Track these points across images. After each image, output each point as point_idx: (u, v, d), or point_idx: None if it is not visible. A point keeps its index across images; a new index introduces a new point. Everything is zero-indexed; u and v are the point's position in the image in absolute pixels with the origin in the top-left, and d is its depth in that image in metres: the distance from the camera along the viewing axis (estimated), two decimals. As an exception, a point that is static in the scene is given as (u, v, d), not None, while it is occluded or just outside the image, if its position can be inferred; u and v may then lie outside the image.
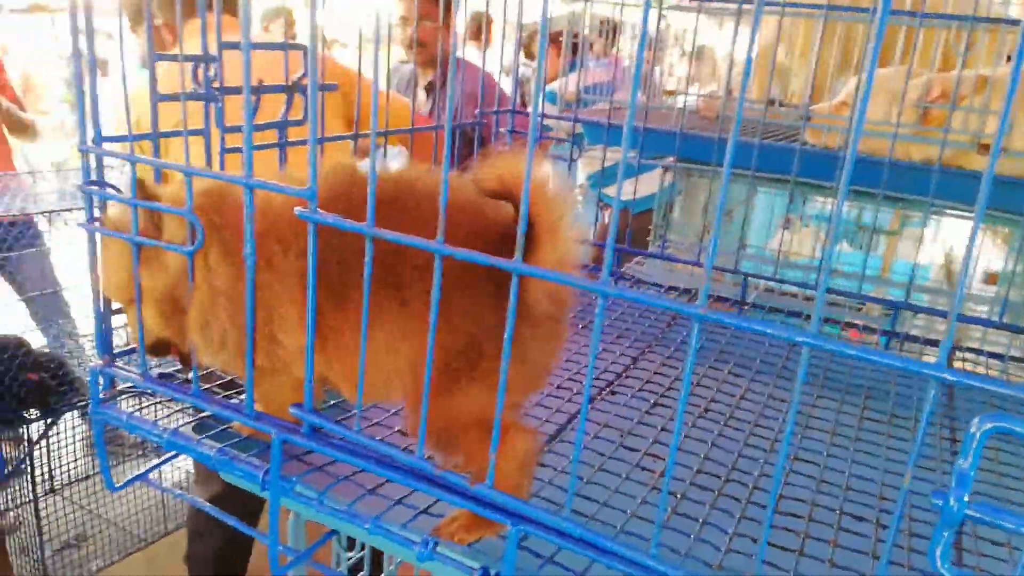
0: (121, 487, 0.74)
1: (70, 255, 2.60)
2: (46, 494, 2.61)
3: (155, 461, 0.83)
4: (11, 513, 2.52)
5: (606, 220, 3.94)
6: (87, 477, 2.79)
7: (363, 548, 0.97)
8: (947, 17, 1.38)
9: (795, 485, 0.77)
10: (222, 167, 0.74)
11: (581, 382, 0.93)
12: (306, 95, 0.88)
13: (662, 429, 0.84)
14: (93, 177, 0.64)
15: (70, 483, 2.76)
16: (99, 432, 0.71)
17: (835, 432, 0.88)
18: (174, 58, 0.67)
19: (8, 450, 2.43)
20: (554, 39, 3.89)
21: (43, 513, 2.47)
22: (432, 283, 0.52)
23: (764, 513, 0.70)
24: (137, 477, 0.76)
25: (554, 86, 3.74)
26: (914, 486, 0.78)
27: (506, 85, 4.97)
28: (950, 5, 1.61)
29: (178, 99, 0.67)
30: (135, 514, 2.79)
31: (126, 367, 0.70)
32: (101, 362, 0.68)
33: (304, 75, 0.87)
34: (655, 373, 0.99)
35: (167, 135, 0.68)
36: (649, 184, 2.54)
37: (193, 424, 0.73)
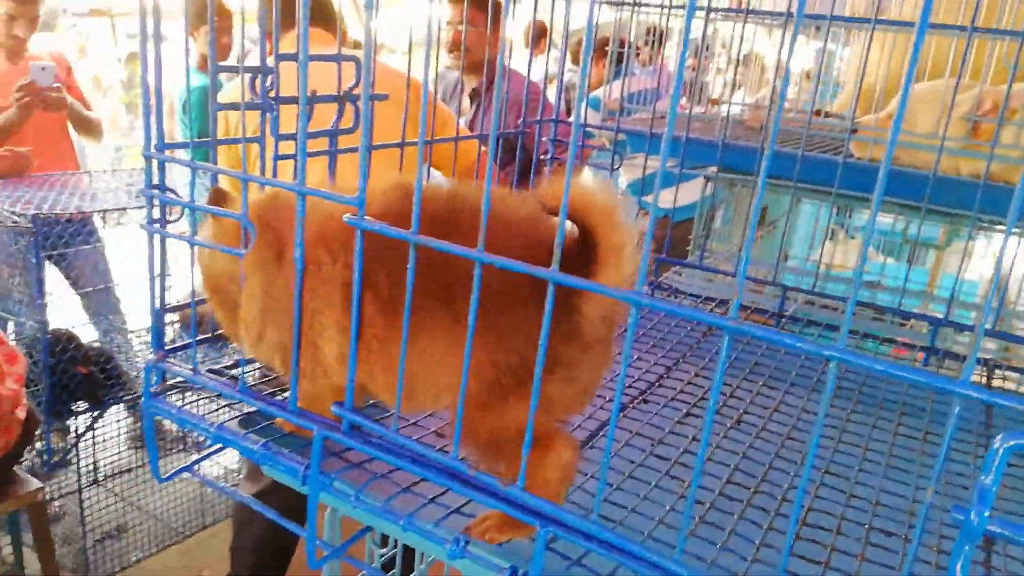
0: (168, 478, 0.77)
1: (123, 252, 2.68)
2: (90, 485, 2.68)
3: (196, 456, 0.86)
4: (56, 503, 2.60)
5: (646, 227, 3.94)
6: (130, 470, 2.87)
7: (396, 545, 1.00)
8: (999, 32, 1.37)
9: (825, 499, 0.77)
10: (275, 174, 0.77)
11: (614, 390, 0.95)
12: (357, 105, 0.92)
13: (693, 439, 0.85)
14: (155, 182, 0.68)
15: (113, 475, 2.84)
16: (149, 424, 0.74)
17: (868, 448, 0.88)
18: (235, 69, 0.70)
19: (56, 441, 2.51)
20: (599, 47, 3.89)
21: (86, 504, 2.55)
22: (483, 299, 0.53)
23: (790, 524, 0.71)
24: (183, 469, 0.79)
25: (598, 93, 3.75)
26: (945, 503, 0.79)
27: (550, 92, 5.00)
28: (1005, 18, 1.59)
29: (237, 108, 0.70)
30: (174, 507, 2.86)
31: (177, 362, 0.73)
32: (154, 357, 0.72)
33: (356, 85, 0.90)
34: (688, 383, 1.00)
35: (224, 142, 0.72)
36: (691, 192, 2.54)
37: (239, 419, 0.76)
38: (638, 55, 3.69)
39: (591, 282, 0.52)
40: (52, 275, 2.67)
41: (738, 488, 0.77)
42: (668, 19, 1.65)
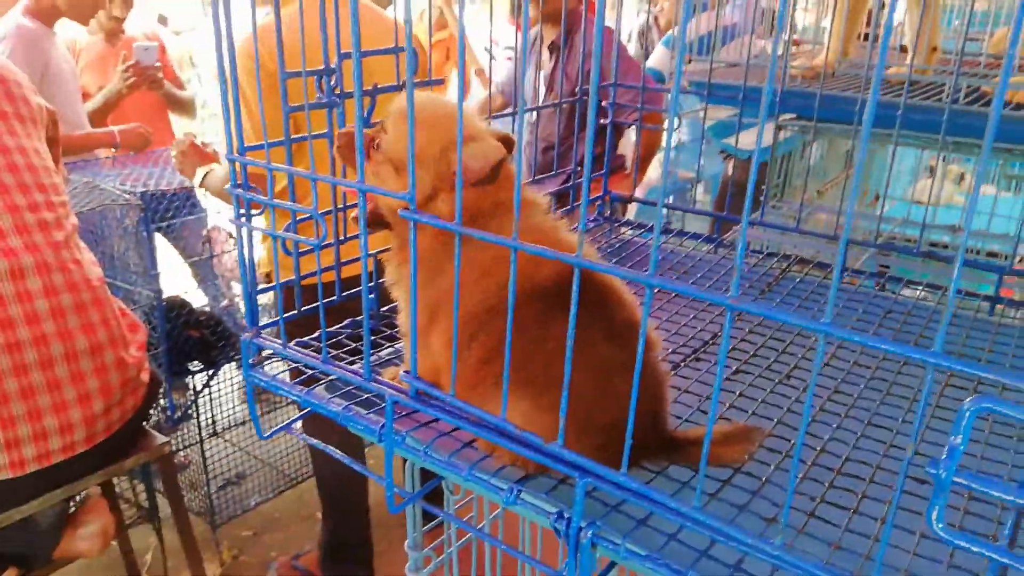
0: (269, 435, 0.88)
1: (224, 221, 2.86)
2: (210, 437, 2.92)
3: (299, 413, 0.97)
4: (181, 453, 2.85)
5: (729, 171, 3.89)
6: (244, 422, 3.10)
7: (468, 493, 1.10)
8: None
9: (864, 449, 0.82)
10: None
11: (665, 348, 1.01)
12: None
13: (740, 395, 0.91)
14: (239, 181, 0.77)
15: (230, 427, 3.08)
16: (250, 391, 0.85)
17: (915, 399, 0.92)
18: (299, 75, 0.79)
19: (177, 398, 2.74)
20: None
21: (207, 454, 2.78)
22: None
23: (827, 475, 0.77)
24: (282, 427, 0.90)
25: (674, 32, 3.68)
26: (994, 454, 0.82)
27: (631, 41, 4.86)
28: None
29: (303, 109, 0.79)
30: (288, 456, 3.08)
31: (271, 338, 0.83)
32: (249, 334, 0.82)
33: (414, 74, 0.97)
34: (742, 340, 1.04)
35: (297, 140, 0.80)
36: (765, 135, 2.52)
37: (325, 384, 0.86)
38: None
39: (609, 265, 0.58)
40: (162, 245, 2.89)
41: (779, 441, 0.82)
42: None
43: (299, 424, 1.73)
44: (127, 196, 2.27)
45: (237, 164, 0.77)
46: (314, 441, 0.89)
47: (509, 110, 3.85)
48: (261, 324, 0.85)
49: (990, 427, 0.87)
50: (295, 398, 0.81)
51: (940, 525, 0.47)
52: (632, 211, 3.71)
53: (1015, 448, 0.83)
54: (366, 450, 2.67)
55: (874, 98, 0.47)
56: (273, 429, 0.90)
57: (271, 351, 0.83)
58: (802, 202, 1.53)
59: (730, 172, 3.87)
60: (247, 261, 0.80)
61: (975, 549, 0.47)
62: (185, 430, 2.81)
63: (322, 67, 0.84)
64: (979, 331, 1.08)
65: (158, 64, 2.95)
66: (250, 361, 0.84)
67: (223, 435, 3.03)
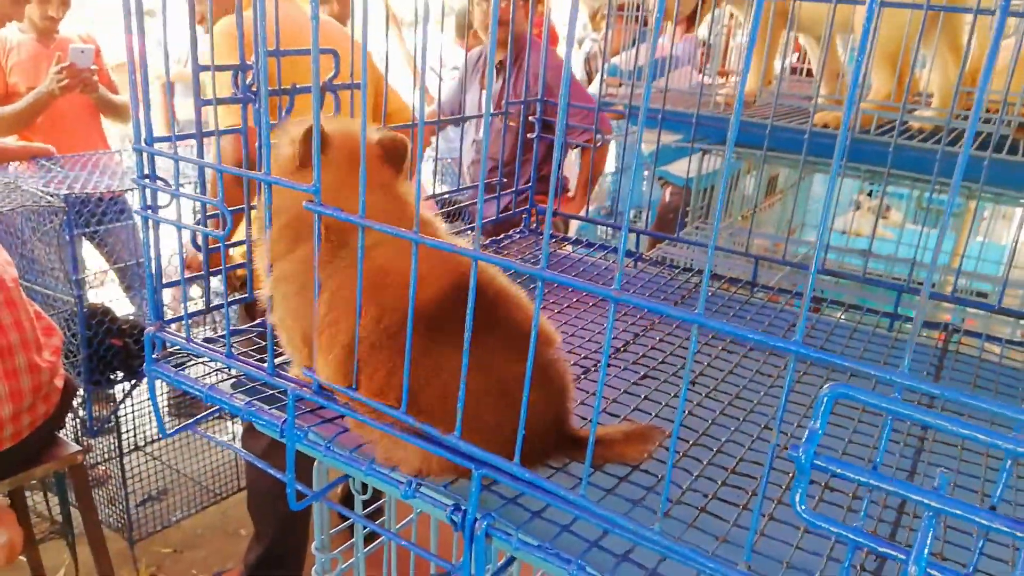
0: (171, 434, 0.88)
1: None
2: (131, 451, 2.84)
3: (232, 419, 0.96)
4: (100, 467, 2.76)
5: (667, 197, 3.99)
6: (169, 435, 3.03)
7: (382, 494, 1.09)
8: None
9: (758, 451, 0.85)
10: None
11: (579, 354, 1.03)
12: (337, 95, 1.00)
13: (645, 398, 0.93)
14: (146, 172, 0.77)
15: (153, 441, 3.00)
16: (152, 386, 0.84)
17: (811, 405, 0.95)
18: (214, 69, 0.79)
19: (98, 410, 2.66)
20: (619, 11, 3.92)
21: (128, 468, 2.70)
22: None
23: (721, 474, 0.79)
24: (185, 426, 0.89)
25: (617, 60, 3.78)
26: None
27: (576, 66, 4.96)
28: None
29: (211, 103, 0.79)
30: (211, 471, 3.01)
31: (174, 332, 0.83)
32: (153, 328, 0.81)
33: (335, 75, 0.98)
34: (652, 348, 1.07)
35: (207, 135, 0.80)
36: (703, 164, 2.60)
37: (231, 381, 0.86)
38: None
39: (505, 259, 0.60)
40: (92, 253, 2.82)
41: (679, 442, 0.85)
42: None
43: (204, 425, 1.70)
44: (49, 198, 2.21)
45: (144, 155, 0.77)
46: (220, 440, 0.88)
47: (452, 127, 3.89)
48: (170, 318, 0.84)
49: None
50: (197, 393, 0.81)
51: (803, 507, 0.50)
52: (573, 230, 3.76)
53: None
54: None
55: (735, 124, 0.49)
56: (176, 428, 0.89)
57: (175, 345, 0.82)
58: (717, 223, 1.57)
59: (667, 199, 3.97)
60: (153, 254, 0.79)
61: (833, 530, 0.49)
62: (107, 442, 2.73)
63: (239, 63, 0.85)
64: (878, 344, 1.13)
65: (94, 67, 2.89)
66: (154, 356, 0.83)
67: (145, 448, 2.95)
